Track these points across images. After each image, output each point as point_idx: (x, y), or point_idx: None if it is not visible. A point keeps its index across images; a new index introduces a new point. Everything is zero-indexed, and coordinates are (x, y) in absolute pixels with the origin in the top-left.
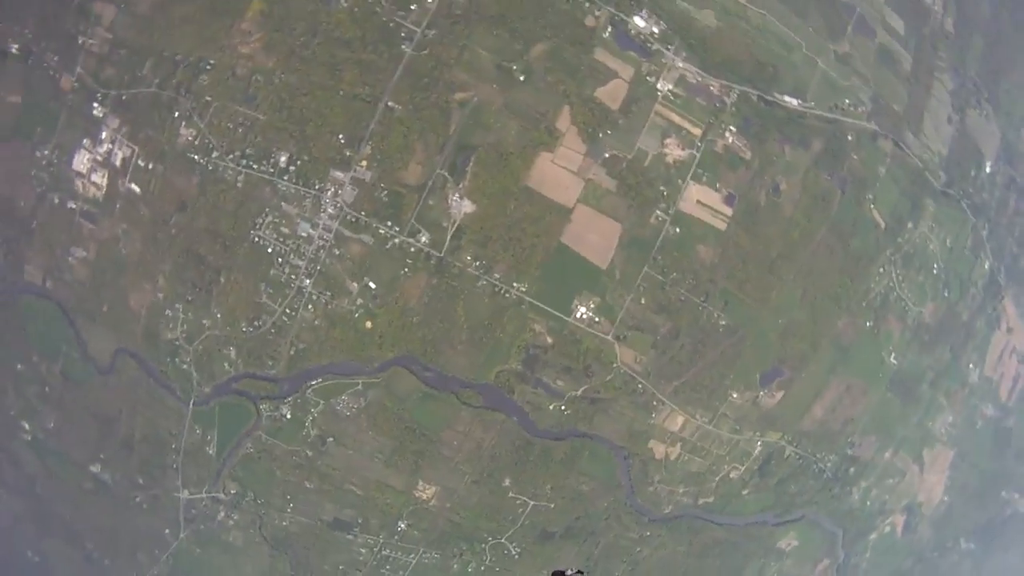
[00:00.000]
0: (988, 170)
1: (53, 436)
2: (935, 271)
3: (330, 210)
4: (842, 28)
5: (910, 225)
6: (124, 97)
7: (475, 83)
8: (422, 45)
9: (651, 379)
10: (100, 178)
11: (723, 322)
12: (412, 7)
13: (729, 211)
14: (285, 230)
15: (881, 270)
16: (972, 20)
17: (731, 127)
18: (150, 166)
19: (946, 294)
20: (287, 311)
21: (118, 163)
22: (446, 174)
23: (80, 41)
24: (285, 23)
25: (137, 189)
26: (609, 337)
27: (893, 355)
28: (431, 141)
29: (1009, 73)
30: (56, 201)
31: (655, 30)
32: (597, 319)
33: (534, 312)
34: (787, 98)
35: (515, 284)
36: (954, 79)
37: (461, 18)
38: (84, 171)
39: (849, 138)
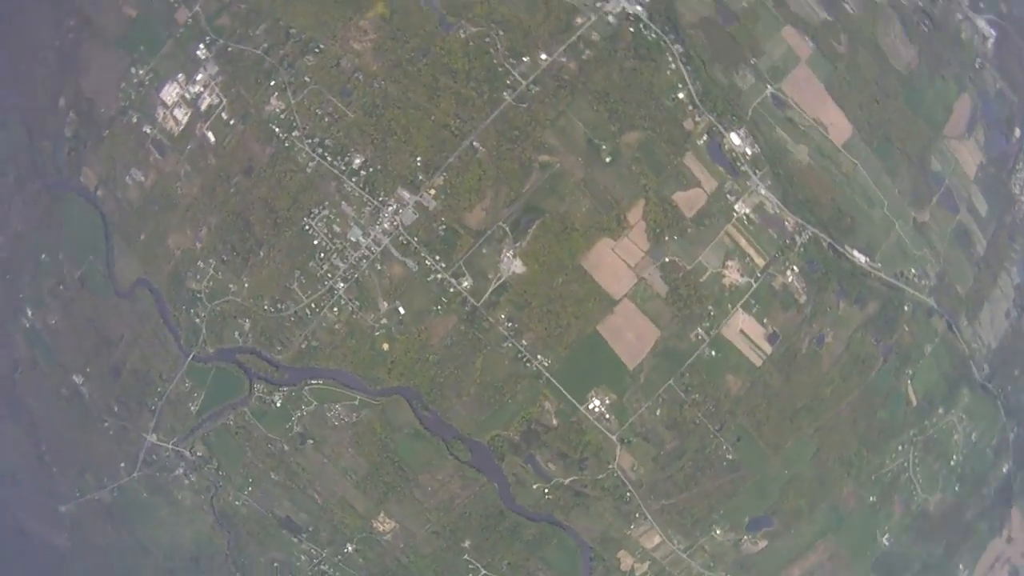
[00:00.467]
0: None
1: (50, 333)
2: (952, 462)
3: (386, 225)
4: (927, 197)
5: (941, 410)
6: (230, 49)
7: (562, 150)
8: (523, 98)
9: (641, 490)
10: (182, 115)
11: (730, 456)
12: (524, 59)
13: (769, 349)
14: (337, 229)
15: (900, 448)
16: None
17: (794, 267)
18: (232, 122)
19: (956, 488)
20: (312, 306)
21: (203, 107)
22: (507, 228)
23: None
24: (401, 33)
25: (212, 138)
26: (614, 437)
27: (887, 536)
28: (503, 192)
29: None
30: (134, 120)
31: (748, 151)
32: (608, 416)
33: (549, 390)
34: (856, 253)
35: (539, 356)
36: (1023, 274)
37: (567, 84)
38: (169, 103)
39: (905, 308)
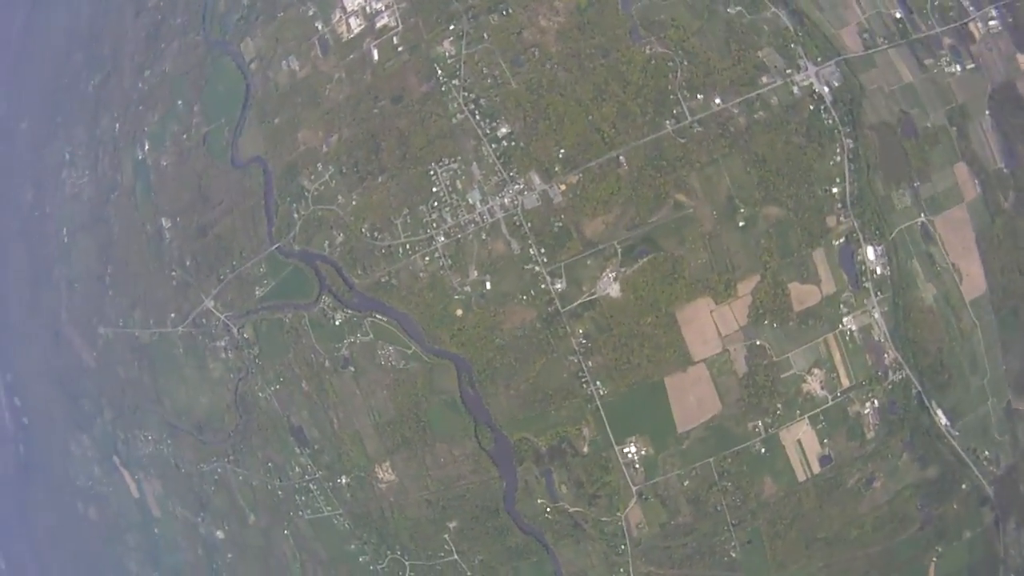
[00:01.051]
0: None
1: (158, 172)
2: None
3: (506, 200)
4: None
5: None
6: None
7: (701, 197)
8: (683, 133)
9: (637, 550)
10: (356, 24)
11: (733, 555)
12: (699, 96)
13: (818, 469)
14: (459, 185)
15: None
16: None
17: (876, 400)
18: (400, 48)
19: None
20: (407, 246)
21: (378, 25)
22: (619, 249)
23: None
24: (590, 27)
25: (376, 56)
26: (634, 488)
27: None
28: (629, 214)
29: None
30: (310, 13)
31: (878, 270)
32: (638, 466)
33: (593, 418)
34: (940, 412)
35: (599, 383)
36: None
37: (730, 135)
38: (349, 8)
39: (963, 487)
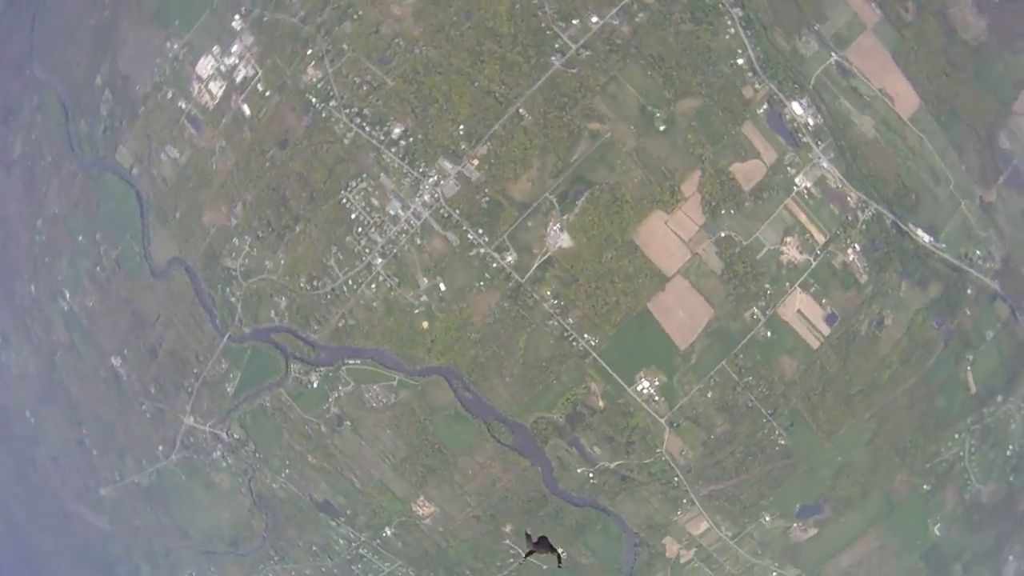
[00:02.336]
0: None
1: (88, 315)
2: (1009, 452)
3: (426, 197)
4: (995, 176)
5: (999, 398)
6: (266, 19)
7: (613, 118)
8: (572, 63)
9: (690, 476)
10: (217, 88)
11: (782, 442)
12: (574, 22)
13: (827, 330)
14: (375, 202)
15: (957, 436)
16: None
17: (856, 245)
18: (267, 94)
19: (1011, 479)
20: (349, 282)
21: (238, 80)
22: (554, 200)
23: None
24: None
25: (247, 111)
26: (663, 420)
27: (938, 526)
28: (550, 162)
29: None
30: (169, 96)
31: (810, 121)
32: (657, 398)
33: (595, 370)
34: (920, 232)
35: (586, 335)
36: None
37: (619, 48)
38: (204, 76)
39: (968, 292)
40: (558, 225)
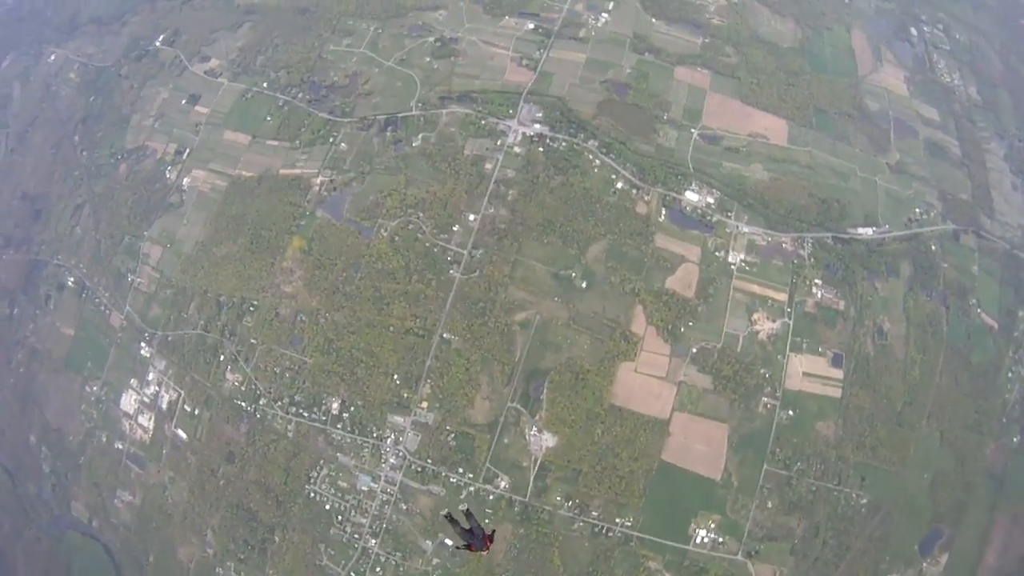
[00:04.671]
0: None
1: None
2: None
3: (392, 460)
4: (885, 138)
5: (1021, 313)
6: (170, 338)
7: (535, 299)
8: (471, 267)
9: None
10: (147, 420)
11: (864, 500)
12: (454, 228)
13: (840, 374)
14: (344, 484)
15: (1010, 374)
16: (989, 79)
17: (816, 280)
18: (196, 412)
19: None
20: (352, 574)
21: (164, 406)
22: (519, 407)
23: (129, 279)
24: (326, 259)
25: (184, 435)
26: (739, 556)
27: None
28: (497, 371)
29: None
30: (104, 440)
31: (710, 200)
32: (721, 539)
33: (646, 548)
34: (860, 230)
35: (618, 520)
36: (1001, 143)
37: (507, 232)
38: (131, 412)
39: (933, 247)
40: (535, 428)
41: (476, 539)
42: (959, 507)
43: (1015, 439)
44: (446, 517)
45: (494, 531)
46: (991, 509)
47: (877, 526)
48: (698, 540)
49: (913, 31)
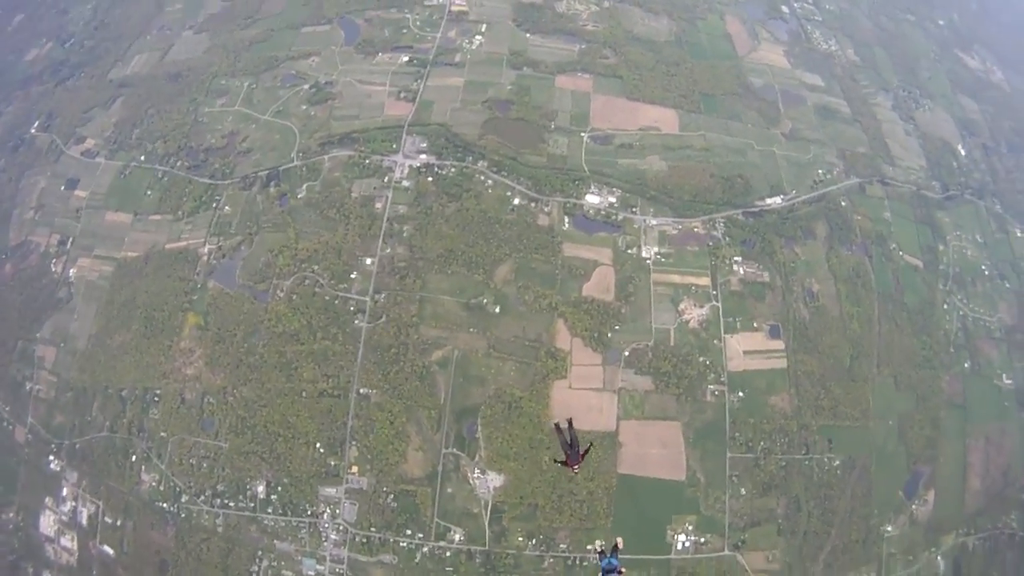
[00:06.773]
0: (963, 152)
1: None
2: (986, 272)
3: (334, 536)
4: (774, 109)
5: (941, 247)
6: (78, 446)
7: (449, 335)
8: (376, 313)
9: (795, 572)
10: (70, 541)
11: (836, 462)
12: (353, 276)
13: (780, 344)
14: (289, 573)
15: (945, 305)
16: (864, 40)
17: (735, 258)
18: (118, 522)
19: (1007, 285)
20: None
21: (84, 522)
22: (455, 451)
23: (27, 387)
24: (224, 331)
25: (110, 551)
26: (726, 551)
27: (1004, 376)
28: (424, 419)
29: (916, 62)
30: (30, 571)
31: (612, 200)
32: (703, 539)
33: (627, 567)
34: (769, 201)
35: (589, 546)
36: (887, 96)
37: (408, 270)
38: (52, 534)
39: (843, 203)
40: (477, 470)
41: (573, 453)
42: (931, 443)
43: (966, 364)
44: (555, 426)
45: (589, 448)
46: (962, 436)
47: (857, 483)
48: (679, 546)
49: (784, 8)
